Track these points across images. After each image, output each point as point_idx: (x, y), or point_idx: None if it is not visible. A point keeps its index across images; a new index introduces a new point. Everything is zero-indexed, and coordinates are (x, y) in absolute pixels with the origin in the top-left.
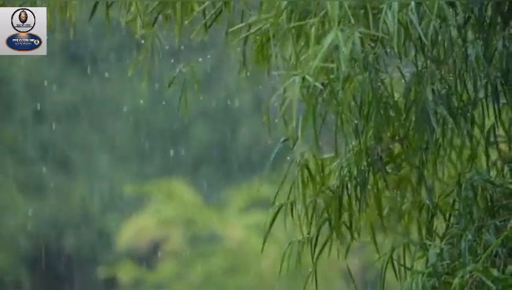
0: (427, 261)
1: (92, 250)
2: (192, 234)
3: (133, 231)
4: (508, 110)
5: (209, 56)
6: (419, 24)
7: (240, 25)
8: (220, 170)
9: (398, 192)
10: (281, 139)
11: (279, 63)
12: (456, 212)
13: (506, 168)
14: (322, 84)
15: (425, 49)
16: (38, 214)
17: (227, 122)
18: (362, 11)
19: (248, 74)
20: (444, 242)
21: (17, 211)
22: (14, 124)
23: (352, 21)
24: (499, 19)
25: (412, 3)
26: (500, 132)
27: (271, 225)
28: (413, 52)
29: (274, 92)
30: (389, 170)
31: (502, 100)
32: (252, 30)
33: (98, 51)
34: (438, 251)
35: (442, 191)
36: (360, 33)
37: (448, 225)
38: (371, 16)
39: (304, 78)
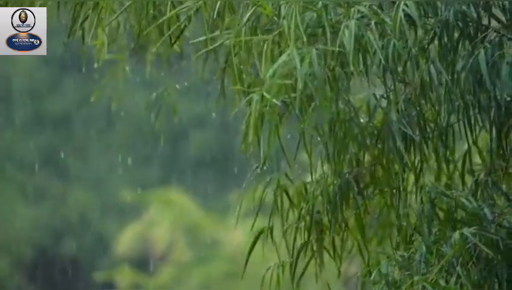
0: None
1: (91, 255)
2: (192, 239)
3: (132, 236)
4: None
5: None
6: (379, 42)
7: (201, 38)
8: (220, 176)
9: (373, 214)
10: (254, 167)
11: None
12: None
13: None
14: (285, 102)
15: (390, 69)
16: (37, 220)
17: (226, 128)
18: (321, 30)
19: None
20: (409, 254)
21: (16, 217)
22: (13, 130)
23: (305, 39)
24: (464, 40)
25: (373, 23)
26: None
27: (250, 252)
28: (377, 72)
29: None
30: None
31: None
32: (214, 44)
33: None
34: (390, 261)
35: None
36: (318, 50)
37: (406, 240)
38: (329, 35)
39: (262, 96)
